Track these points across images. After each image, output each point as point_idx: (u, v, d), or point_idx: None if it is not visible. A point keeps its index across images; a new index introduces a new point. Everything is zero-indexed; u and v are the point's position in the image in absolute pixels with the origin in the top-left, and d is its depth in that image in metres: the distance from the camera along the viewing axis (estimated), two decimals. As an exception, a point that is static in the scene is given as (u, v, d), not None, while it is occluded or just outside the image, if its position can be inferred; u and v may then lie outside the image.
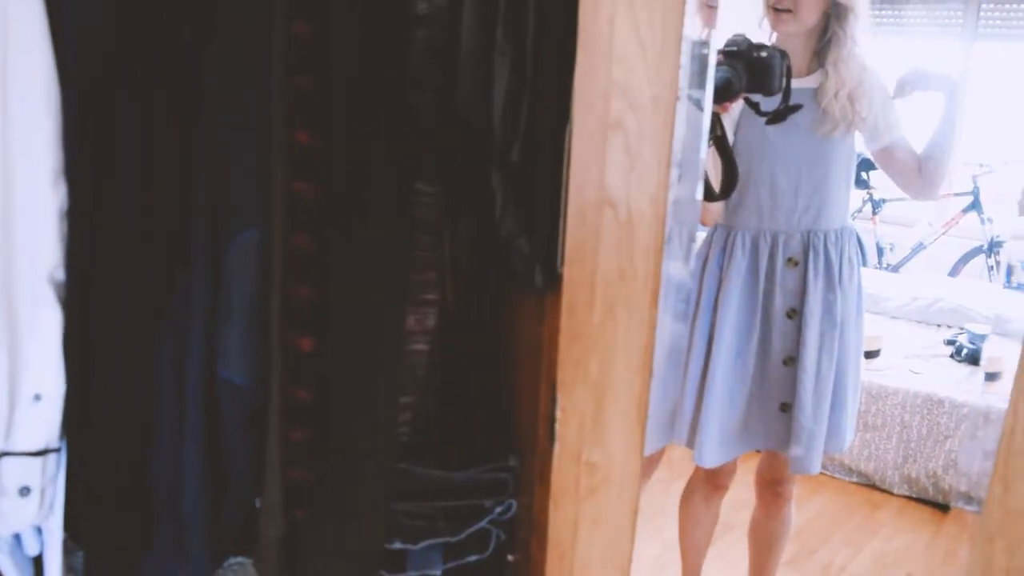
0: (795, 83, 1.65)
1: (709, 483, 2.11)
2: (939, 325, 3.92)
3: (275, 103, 0.89)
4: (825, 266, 1.84)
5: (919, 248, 5.04)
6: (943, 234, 4.98)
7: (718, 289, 1.90)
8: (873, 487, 3.25)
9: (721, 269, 1.90)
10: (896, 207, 5.13)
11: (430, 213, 0.95)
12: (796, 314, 1.84)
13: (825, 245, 1.84)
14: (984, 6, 4.60)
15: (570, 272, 0.85)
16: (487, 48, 0.85)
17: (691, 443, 1.95)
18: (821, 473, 3.33)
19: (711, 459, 1.93)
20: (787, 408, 1.88)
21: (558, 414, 0.89)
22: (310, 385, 0.93)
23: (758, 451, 2.04)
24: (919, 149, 1.88)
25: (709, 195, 1.67)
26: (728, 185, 1.65)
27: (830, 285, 1.85)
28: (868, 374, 3.30)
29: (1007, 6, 4.55)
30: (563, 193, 0.84)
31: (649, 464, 2.12)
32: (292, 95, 0.89)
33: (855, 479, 3.29)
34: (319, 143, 0.90)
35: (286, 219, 0.90)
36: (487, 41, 0.85)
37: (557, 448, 0.91)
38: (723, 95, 1.57)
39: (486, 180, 0.89)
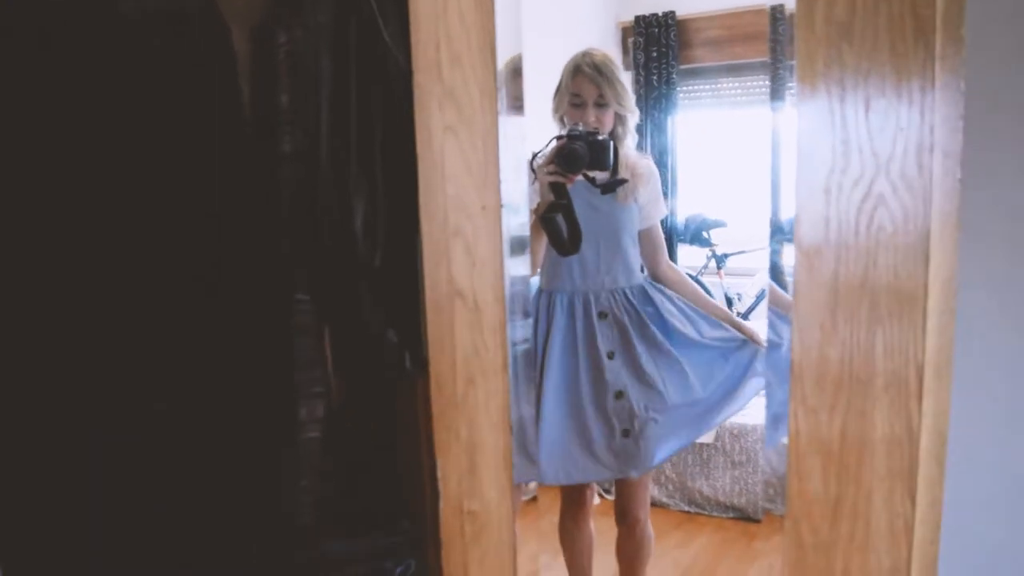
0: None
1: (572, 504, 2.42)
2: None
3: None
4: (629, 316, 2.24)
5: (763, 295, 5.47)
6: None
7: (546, 339, 2.24)
8: (748, 519, 3.51)
9: (548, 324, 2.25)
10: (738, 260, 5.55)
11: (308, 319, 1.12)
12: (613, 356, 2.21)
13: (626, 298, 2.26)
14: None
15: (433, 355, 1.03)
16: (343, 180, 1.04)
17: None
18: (698, 513, 3.58)
19: (552, 477, 2.19)
20: (628, 434, 2.18)
21: (439, 474, 1.06)
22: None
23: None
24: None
25: (563, 249, 2.05)
26: (576, 240, 2.05)
27: (640, 332, 2.24)
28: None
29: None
30: (421, 291, 1.03)
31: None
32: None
33: (730, 515, 3.54)
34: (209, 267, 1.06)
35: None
36: (343, 174, 1.04)
37: (442, 504, 1.07)
38: (574, 167, 1.95)
39: (355, 287, 1.06)
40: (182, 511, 1.12)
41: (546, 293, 2.29)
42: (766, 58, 5.16)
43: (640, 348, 2.22)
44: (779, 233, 1.14)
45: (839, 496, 1.04)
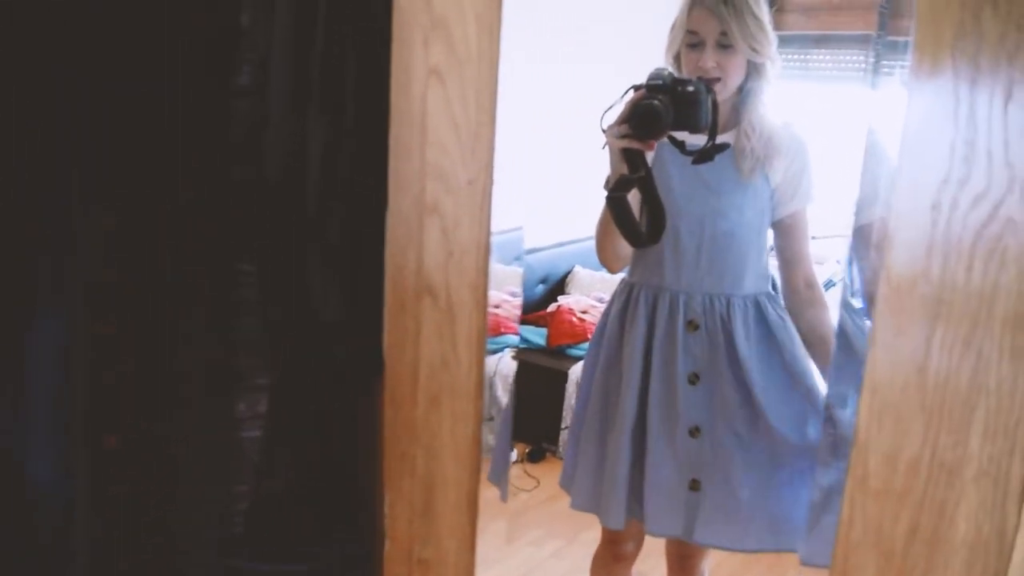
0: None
1: (610, 552, 1.94)
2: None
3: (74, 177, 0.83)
4: (725, 332, 1.68)
5: (829, 284, 5.12)
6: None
7: (620, 349, 1.75)
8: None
9: (623, 328, 1.75)
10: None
11: (252, 293, 0.89)
12: (697, 380, 1.69)
13: (729, 310, 1.69)
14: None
15: (391, 363, 0.80)
16: (299, 120, 0.80)
17: (593, 506, 1.80)
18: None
19: (614, 520, 1.75)
20: (697, 486, 1.71)
21: (386, 510, 0.84)
22: (122, 483, 0.86)
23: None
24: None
25: (635, 240, 1.59)
26: (656, 229, 1.58)
27: (730, 354, 1.69)
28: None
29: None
30: (383, 279, 0.79)
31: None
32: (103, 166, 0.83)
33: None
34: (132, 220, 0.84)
35: (88, 306, 0.83)
36: (299, 113, 0.80)
37: (388, 545, 0.85)
38: (651, 130, 1.49)
39: (304, 262, 0.84)
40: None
41: (627, 286, 1.76)
42: (864, 31, 4.75)
43: (728, 375, 1.67)
44: (860, 249, 0.87)
45: (896, 606, 0.79)
